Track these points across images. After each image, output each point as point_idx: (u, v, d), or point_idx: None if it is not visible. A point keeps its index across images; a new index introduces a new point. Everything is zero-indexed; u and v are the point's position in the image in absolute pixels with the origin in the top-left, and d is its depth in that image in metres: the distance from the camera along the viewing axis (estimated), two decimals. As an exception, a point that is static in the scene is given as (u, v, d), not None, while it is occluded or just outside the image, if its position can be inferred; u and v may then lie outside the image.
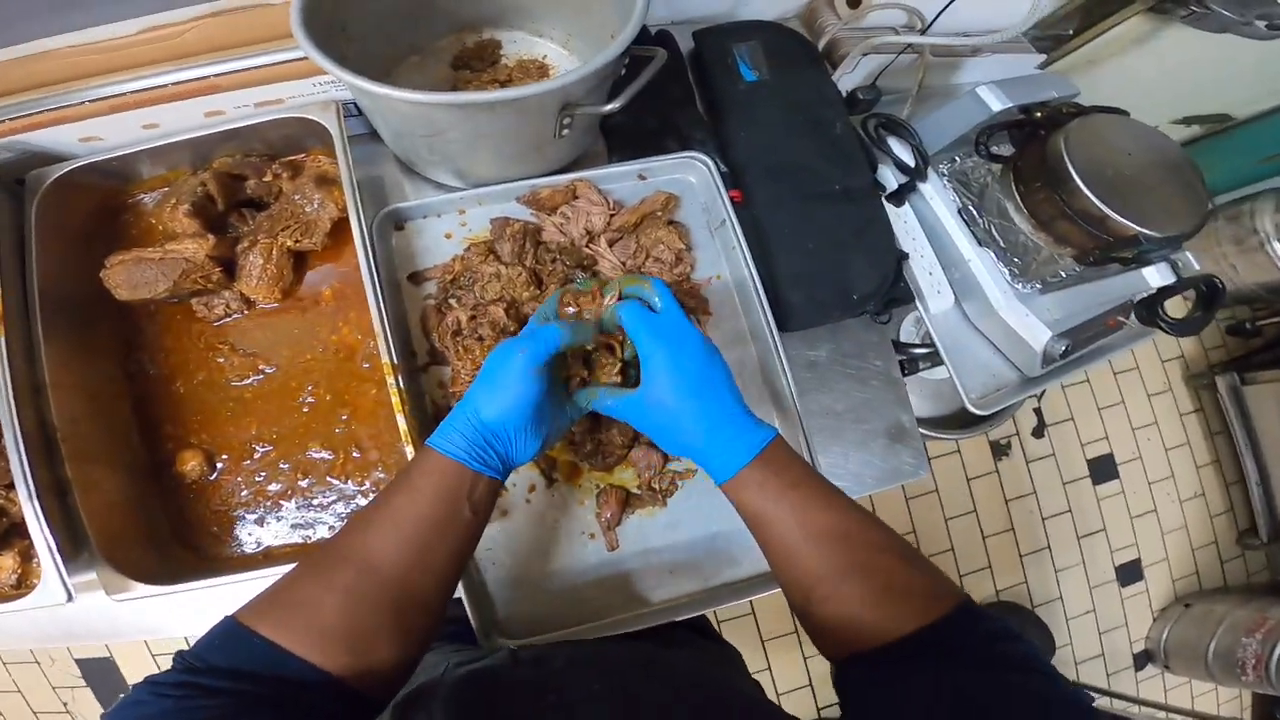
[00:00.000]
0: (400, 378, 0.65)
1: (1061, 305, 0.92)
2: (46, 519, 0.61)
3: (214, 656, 0.40)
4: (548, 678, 0.52)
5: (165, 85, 0.74)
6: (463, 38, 0.90)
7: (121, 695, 1.67)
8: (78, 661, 1.75)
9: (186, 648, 0.41)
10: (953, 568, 1.87)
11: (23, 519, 0.65)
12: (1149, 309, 0.91)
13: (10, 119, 0.74)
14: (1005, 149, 0.89)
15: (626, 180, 0.82)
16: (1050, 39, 1.16)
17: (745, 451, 0.51)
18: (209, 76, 0.74)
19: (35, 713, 1.77)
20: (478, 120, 0.67)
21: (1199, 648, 1.86)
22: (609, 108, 0.66)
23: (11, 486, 0.64)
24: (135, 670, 1.74)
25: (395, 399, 0.64)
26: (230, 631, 0.42)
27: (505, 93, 0.62)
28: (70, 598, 0.61)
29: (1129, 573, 2.01)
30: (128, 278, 0.70)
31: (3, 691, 1.78)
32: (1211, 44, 1.17)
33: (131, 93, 0.74)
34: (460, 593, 0.65)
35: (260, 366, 0.74)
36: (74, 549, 0.63)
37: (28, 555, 0.67)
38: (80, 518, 0.64)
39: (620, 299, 0.58)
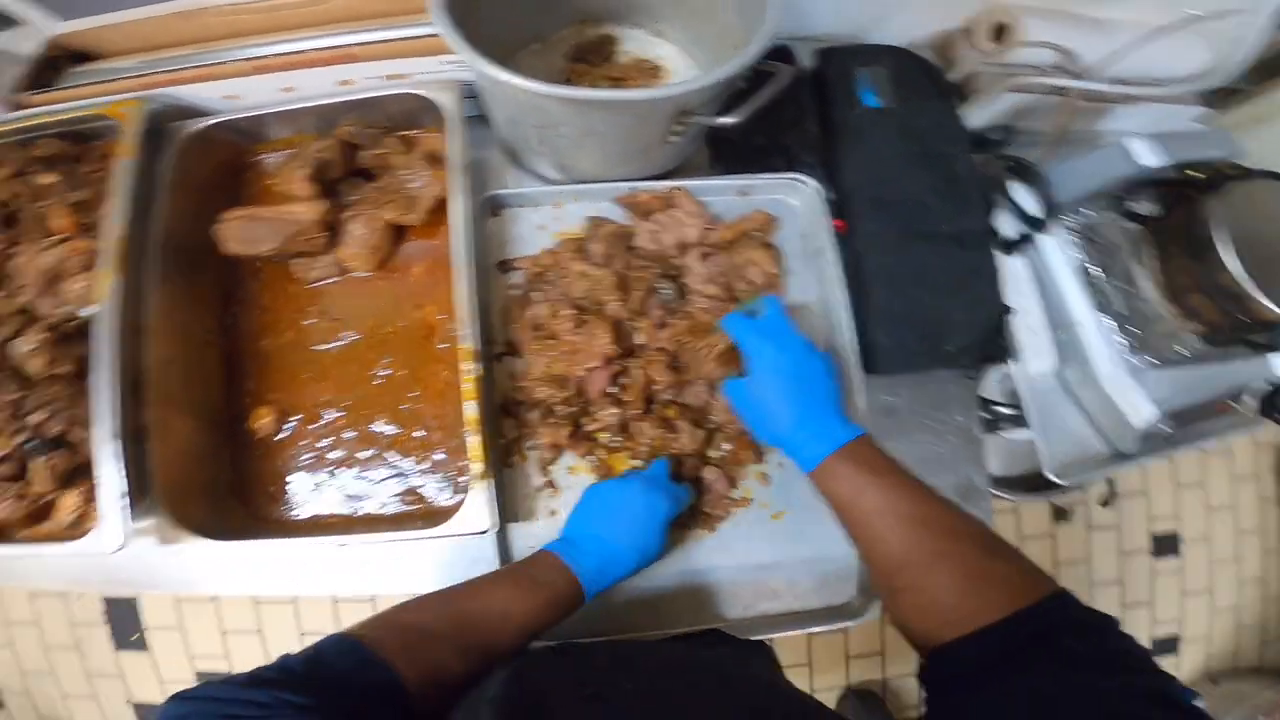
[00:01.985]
0: (477, 365, 0.59)
1: (1172, 383, 0.77)
2: (121, 462, 0.56)
3: (344, 672, 0.39)
4: (590, 675, 0.48)
5: (307, 50, 0.72)
6: (583, 30, 0.83)
7: (134, 637, 1.61)
8: (106, 600, 1.65)
9: (294, 654, 0.39)
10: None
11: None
12: (1270, 401, 0.76)
13: (164, 72, 0.73)
14: (1147, 209, 0.75)
15: (726, 194, 0.74)
16: (1215, 91, 0.98)
17: (831, 442, 0.51)
18: (348, 45, 0.72)
19: (46, 646, 1.66)
20: (593, 117, 0.60)
21: (1213, 725, 1.65)
22: (726, 120, 0.58)
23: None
24: (158, 612, 1.64)
25: (469, 385, 0.59)
26: (364, 654, 0.40)
27: (620, 93, 0.55)
28: (123, 545, 0.56)
29: (1163, 646, 1.79)
30: (240, 232, 0.67)
31: (21, 623, 1.67)
32: None
33: (276, 55, 0.72)
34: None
35: (343, 333, 0.70)
36: (138, 496, 0.58)
37: (92, 496, 0.60)
38: (150, 465, 0.60)
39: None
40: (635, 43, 0.82)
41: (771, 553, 0.67)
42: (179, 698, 0.35)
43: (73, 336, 0.61)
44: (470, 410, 0.58)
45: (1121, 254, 0.77)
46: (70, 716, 1.66)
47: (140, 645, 1.65)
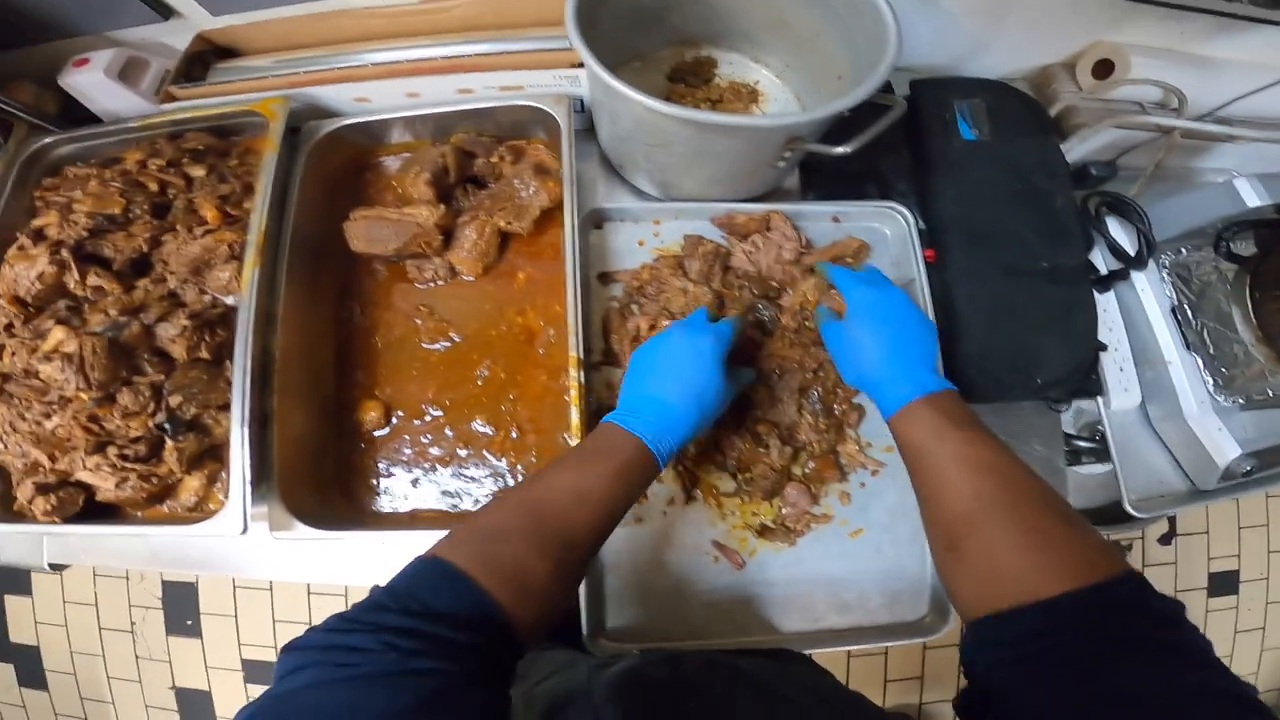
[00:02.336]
0: (581, 373, 0.62)
1: (1260, 424, 0.76)
2: (251, 448, 0.58)
3: (431, 598, 0.36)
4: (686, 680, 0.49)
5: (435, 58, 0.75)
6: (682, 51, 0.85)
7: (189, 622, 1.60)
8: (164, 583, 1.65)
9: (382, 585, 0.37)
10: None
11: (222, 443, 0.64)
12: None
13: (305, 72, 0.76)
14: (1246, 249, 0.73)
15: (820, 220, 0.75)
16: None
17: (919, 388, 0.50)
18: (469, 55, 0.74)
19: (102, 628, 1.65)
20: (708, 139, 0.61)
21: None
22: (841, 150, 0.59)
23: (223, 408, 0.64)
24: (215, 598, 1.64)
25: (574, 392, 0.61)
26: (449, 574, 0.38)
27: (750, 119, 0.58)
28: (245, 529, 0.57)
29: (1209, 682, 1.74)
30: (366, 231, 0.71)
31: (80, 604, 1.66)
32: None
33: (405, 61, 0.75)
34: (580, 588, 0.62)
35: (449, 334, 0.73)
36: (257, 483, 0.59)
37: (213, 479, 0.64)
38: (271, 452, 0.61)
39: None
40: (733, 67, 0.84)
41: (846, 568, 0.67)
42: (291, 649, 0.33)
43: (214, 323, 0.65)
44: (574, 416, 0.61)
45: (1216, 293, 0.75)
46: (111, 698, 1.65)
47: (194, 632, 1.64)
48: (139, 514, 0.64)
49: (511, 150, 0.77)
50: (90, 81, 0.74)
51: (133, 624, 1.65)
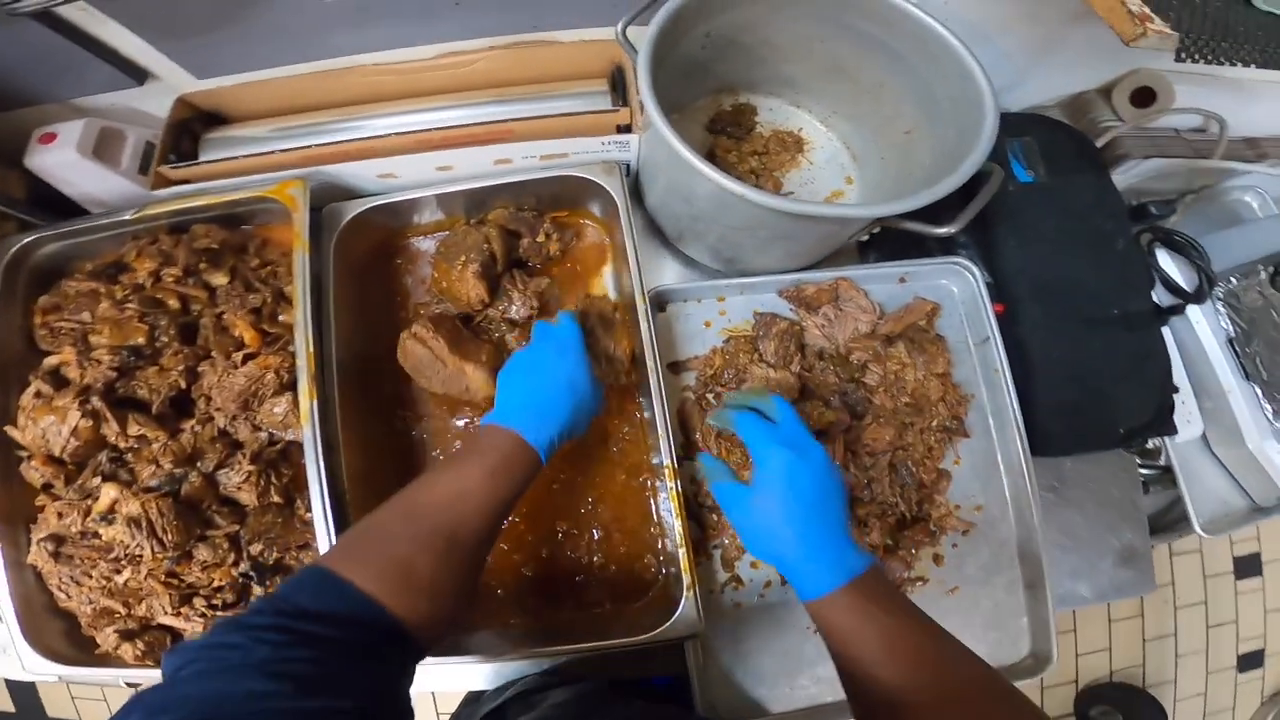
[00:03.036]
0: (679, 481, 0.64)
1: (1313, 443, 0.85)
2: None
3: (305, 600, 0.40)
4: None
5: (468, 124, 0.73)
6: (720, 99, 0.87)
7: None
8: None
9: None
10: (1070, 647, 1.82)
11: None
12: None
13: (318, 144, 0.74)
14: (1296, 281, 0.81)
15: (887, 282, 0.78)
16: None
17: (846, 571, 0.49)
18: (505, 120, 0.73)
19: None
20: (803, 224, 0.63)
21: (1303, 734, 1.77)
22: (947, 230, 0.61)
23: (303, 547, 0.65)
24: None
25: (675, 504, 0.63)
26: (324, 578, 0.42)
27: (855, 209, 0.59)
28: None
29: (1249, 661, 1.91)
30: (418, 362, 0.69)
31: (88, 699, 1.75)
32: None
33: (436, 129, 0.74)
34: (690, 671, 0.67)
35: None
36: None
37: None
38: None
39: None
40: (774, 113, 0.87)
41: (948, 624, 0.72)
42: (173, 651, 0.38)
43: (275, 461, 0.64)
44: (679, 527, 0.63)
45: (1268, 323, 0.83)
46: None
47: None
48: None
49: (558, 227, 0.77)
50: (62, 161, 0.70)
51: None
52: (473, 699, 0.75)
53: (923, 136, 0.70)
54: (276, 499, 0.63)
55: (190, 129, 0.79)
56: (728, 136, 0.85)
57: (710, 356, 0.74)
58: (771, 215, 0.60)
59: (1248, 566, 1.91)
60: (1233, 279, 0.84)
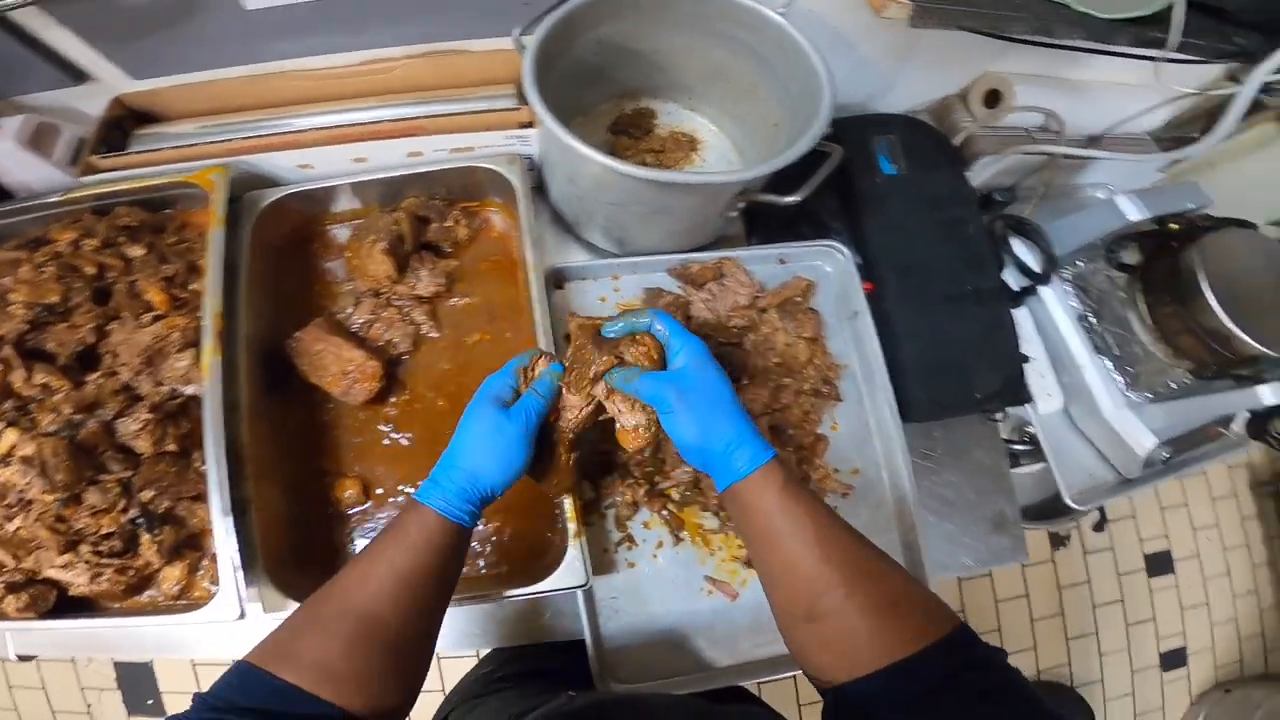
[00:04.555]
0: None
1: (1168, 414, 0.95)
2: (237, 536, 0.63)
3: (235, 696, 0.43)
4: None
5: (380, 122, 0.81)
6: (622, 104, 0.97)
7: (150, 702, 1.68)
8: (116, 664, 1.73)
9: (203, 690, 0.45)
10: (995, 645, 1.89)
11: (199, 532, 0.70)
12: (1260, 425, 0.94)
13: (244, 138, 0.81)
14: (1132, 257, 0.93)
15: (768, 263, 0.88)
16: (1171, 140, 1.19)
17: (765, 452, 0.52)
18: (417, 117, 0.81)
19: (54, 711, 1.73)
20: (668, 196, 0.72)
21: (1234, 732, 1.86)
22: (792, 199, 0.71)
23: (196, 499, 0.69)
24: (172, 677, 1.73)
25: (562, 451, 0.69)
26: (248, 674, 0.44)
27: (707, 176, 0.68)
28: (243, 614, 0.63)
29: (1173, 659, 2.01)
30: (311, 361, 0.76)
31: (26, 687, 1.73)
32: None
33: (352, 125, 0.81)
34: (586, 637, 0.71)
35: (419, 406, 0.80)
36: (247, 566, 0.65)
37: (194, 567, 0.70)
38: (253, 536, 0.66)
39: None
40: (671, 116, 0.97)
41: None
42: None
43: (175, 414, 0.69)
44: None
45: (1114, 301, 0.94)
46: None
47: (157, 710, 1.70)
48: (114, 605, 0.68)
49: (466, 213, 0.85)
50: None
51: (88, 705, 1.73)
52: None
53: (785, 128, 0.81)
54: (172, 447, 0.68)
55: (122, 126, 0.86)
56: (628, 137, 0.95)
57: (603, 327, 0.81)
58: (636, 185, 0.69)
59: (1159, 564, 2.03)
60: (1079, 262, 0.95)
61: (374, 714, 0.45)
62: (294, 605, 0.66)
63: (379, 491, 0.77)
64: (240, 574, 0.64)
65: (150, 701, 1.71)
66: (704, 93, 0.94)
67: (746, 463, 0.52)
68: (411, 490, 0.77)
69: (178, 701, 1.63)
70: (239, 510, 0.66)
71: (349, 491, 0.76)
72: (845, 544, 0.49)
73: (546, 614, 0.78)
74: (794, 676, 0.76)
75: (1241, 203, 1.04)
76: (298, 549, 0.73)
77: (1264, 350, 0.81)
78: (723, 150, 0.96)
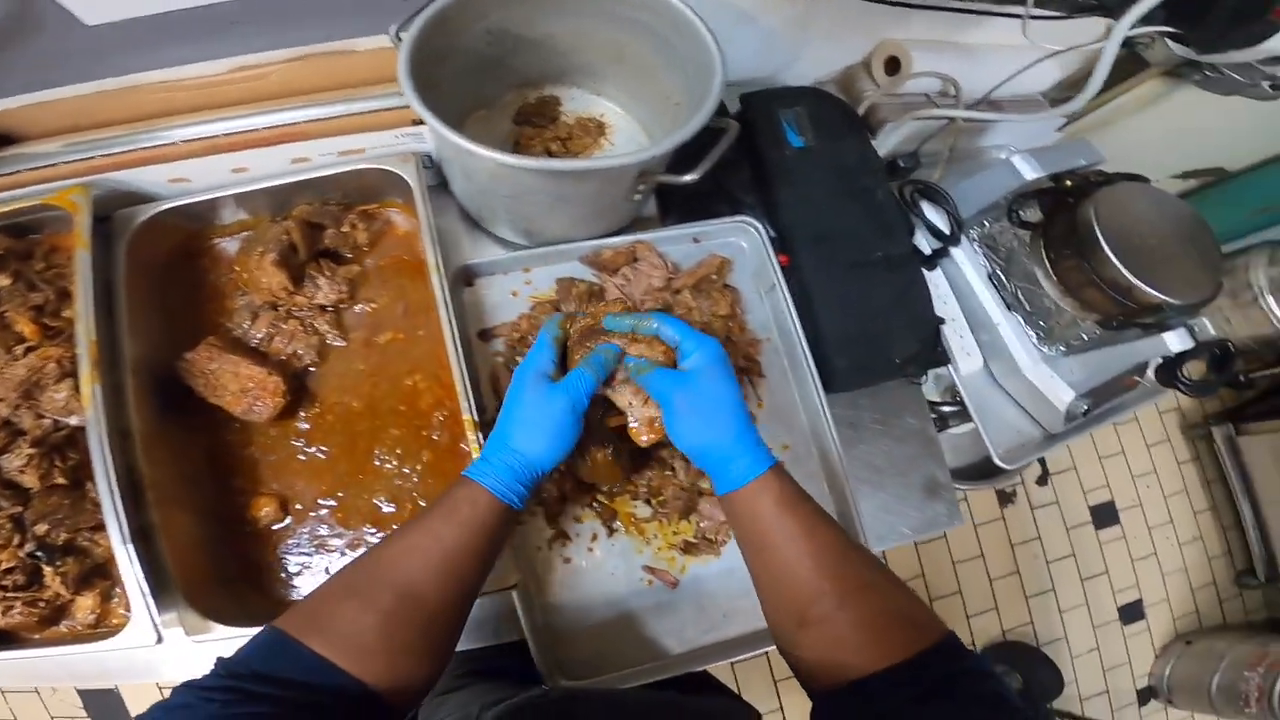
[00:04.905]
0: (479, 434, 0.69)
1: (1083, 366, 0.98)
2: (141, 563, 0.62)
3: (257, 663, 0.43)
4: (568, 715, 0.56)
5: (259, 129, 0.78)
6: (525, 93, 0.96)
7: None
8: (80, 693, 1.74)
9: (226, 655, 0.44)
10: (960, 609, 1.94)
11: (106, 560, 0.68)
12: (1168, 372, 0.98)
13: (105, 155, 0.77)
14: (1034, 215, 0.96)
15: (682, 243, 0.88)
16: (1067, 100, 1.24)
17: (766, 459, 0.55)
18: (299, 123, 0.79)
19: None
20: (564, 185, 0.72)
21: (1202, 683, 1.94)
22: (687, 179, 0.71)
23: (96, 529, 0.66)
24: (139, 702, 1.72)
25: (475, 454, 0.68)
26: (275, 641, 0.44)
27: (595, 162, 0.68)
28: (160, 639, 0.62)
29: (1131, 612, 2.09)
30: (208, 381, 0.73)
31: None
32: (1217, 104, 1.23)
33: (226, 135, 0.78)
34: (525, 633, 0.69)
35: (331, 417, 0.78)
36: (157, 593, 0.63)
37: (107, 595, 0.69)
38: (164, 560, 0.65)
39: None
40: (576, 102, 0.96)
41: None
42: (139, 716, 0.40)
43: (61, 446, 0.66)
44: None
45: (1020, 258, 0.97)
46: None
47: None
48: (35, 636, 0.67)
49: (364, 216, 0.83)
50: None
51: None
52: None
53: (686, 107, 0.81)
54: (61, 480, 0.66)
55: None
56: (532, 126, 0.93)
57: (517, 322, 0.80)
58: (528, 176, 0.69)
59: (1105, 516, 2.11)
60: (986, 222, 0.98)
61: (397, 690, 0.45)
62: (219, 628, 0.65)
63: (298, 507, 0.75)
64: (150, 600, 0.62)
65: None
66: (607, 75, 0.94)
67: (743, 473, 0.54)
68: (334, 503, 0.75)
69: None
70: (143, 537, 0.65)
71: (265, 510, 0.73)
72: (839, 555, 0.51)
73: (493, 615, 0.77)
74: (766, 653, 0.76)
75: (1141, 160, 1.09)
76: (219, 570, 0.72)
77: (1163, 298, 0.84)
78: (631, 132, 0.95)
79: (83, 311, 0.67)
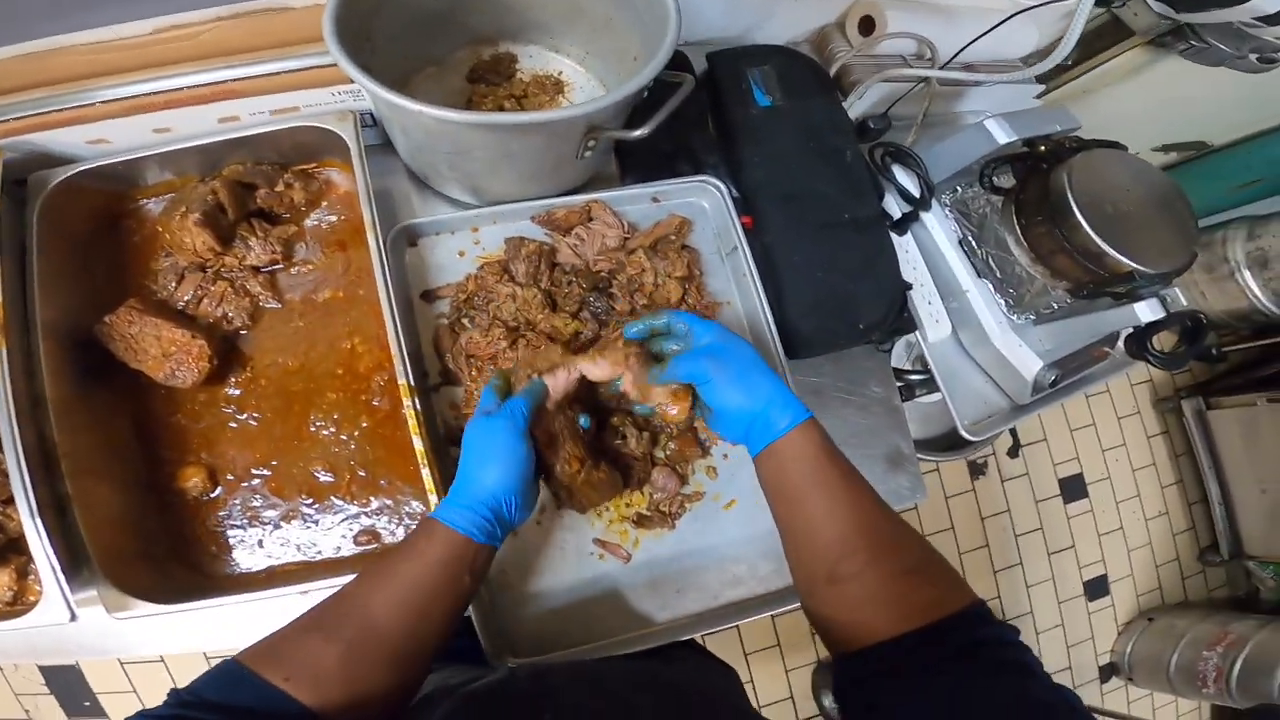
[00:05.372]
0: (416, 399, 0.64)
1: (1052, 336, 0.95)
2: (48, 535, 0.59)
3: (208, 692, 0.42)
4: (546, 693, 0.52)
5: (182, 89, 0.73)
6: (479, 50, 0.89)
7: (87, 703, 1.64)
8: (42, 669, 1.73)
9: (179, 686, 0.43)
10: (930, 581, 1.92)
11: (20, 535, 0.64)
12: (1138, 343, 0.94)
13: (19, 117, 0.72)
14: (1007, 181, 0.91)
15: (641, 203, 0.83)
16: (1050, 69, 1.19)
17: (800, 412, 0.54)
18: (227, 81, 0.73)
19: None
20: (506, 140, 0.67)
21: (1162, 661, 1.94)
22: (637, 134, 0.67)
23: (9, 502, 0.63)
24: (101, 678, 1.73)
25: (412, 421, 0.64)
26: (230, 671, 0.44)
27: (535, 115, 0.62)
28: (74, 616, 0.60)
29: (1096, 588, 2.09)
30: (128, 345, 0.68)
31: None
32: (1202, 76, 1.19)
33: (147, 95, 0.73)
34: (470, 612, 0.65)
35: (264, 381, 0.73)
36: (74, 566, 0.61)
37: (24, 572, 0.66)
38: (80, 534, 0.62)
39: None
40: (533, 60, 0.90)
41: (728, 540, 0.75)
42: None
43: None
44: (418, 445, 0.64)
45: (992, 224, 0.93)
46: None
47: (96, 711, 1.71)
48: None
49: (300, 175, 0.77)
50: None
51: (26, 712, 1.74)
52: None
53: (644, 61, 0.74)
54: None
55: None
56: (485, 84, 0.87)
57: (464, 283, 0.75)
58: (466, 131, 0.64)
59: (1073, 489, 2.10)
60: (959, 187, 0.94)
61: (351, 711, 0.45)
62: (142, 605, 0.62)
63: (230, 478, 0.71)
64: (60, 576, 0.60)
65: (87, 703, 1.72)
66: (563, 31, 0.88)
67: (789, 420, 0.54)
68: (268, 473, 0.72)
69: (114, 702, 1.73)
70: (57, 510, 0.62)
71: (193, 480, 0.69)
72: (872, 510, 0.51)
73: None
74: (737, 626, 0.73)
75: (1121, 131, 1.04)
76: (144, 545, 0.68)
77: (1135, 266, 0.80)
78: (590, 90, 0.90)
79: (-12, 275, 0.63)
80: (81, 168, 0.72)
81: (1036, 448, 2.10)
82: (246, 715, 0.42)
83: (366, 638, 0.48)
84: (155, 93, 0.74)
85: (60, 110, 0.73)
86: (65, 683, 1.73)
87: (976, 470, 2.02)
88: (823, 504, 0.51)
